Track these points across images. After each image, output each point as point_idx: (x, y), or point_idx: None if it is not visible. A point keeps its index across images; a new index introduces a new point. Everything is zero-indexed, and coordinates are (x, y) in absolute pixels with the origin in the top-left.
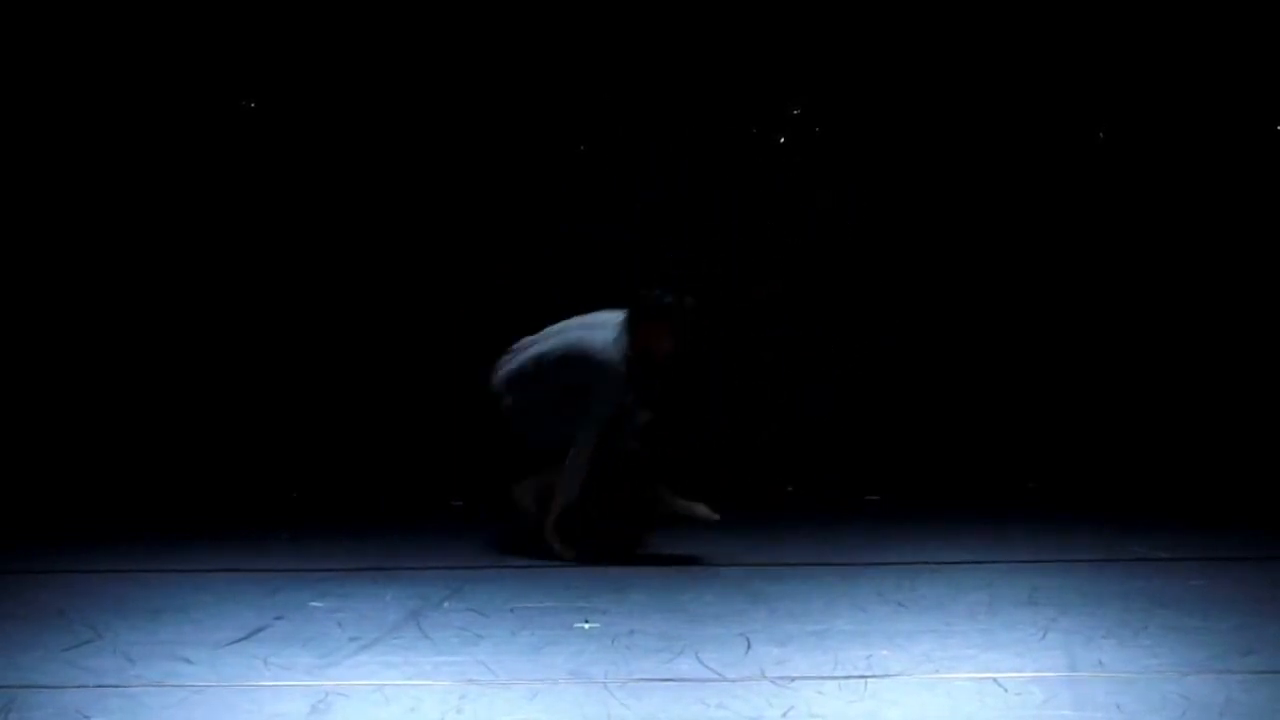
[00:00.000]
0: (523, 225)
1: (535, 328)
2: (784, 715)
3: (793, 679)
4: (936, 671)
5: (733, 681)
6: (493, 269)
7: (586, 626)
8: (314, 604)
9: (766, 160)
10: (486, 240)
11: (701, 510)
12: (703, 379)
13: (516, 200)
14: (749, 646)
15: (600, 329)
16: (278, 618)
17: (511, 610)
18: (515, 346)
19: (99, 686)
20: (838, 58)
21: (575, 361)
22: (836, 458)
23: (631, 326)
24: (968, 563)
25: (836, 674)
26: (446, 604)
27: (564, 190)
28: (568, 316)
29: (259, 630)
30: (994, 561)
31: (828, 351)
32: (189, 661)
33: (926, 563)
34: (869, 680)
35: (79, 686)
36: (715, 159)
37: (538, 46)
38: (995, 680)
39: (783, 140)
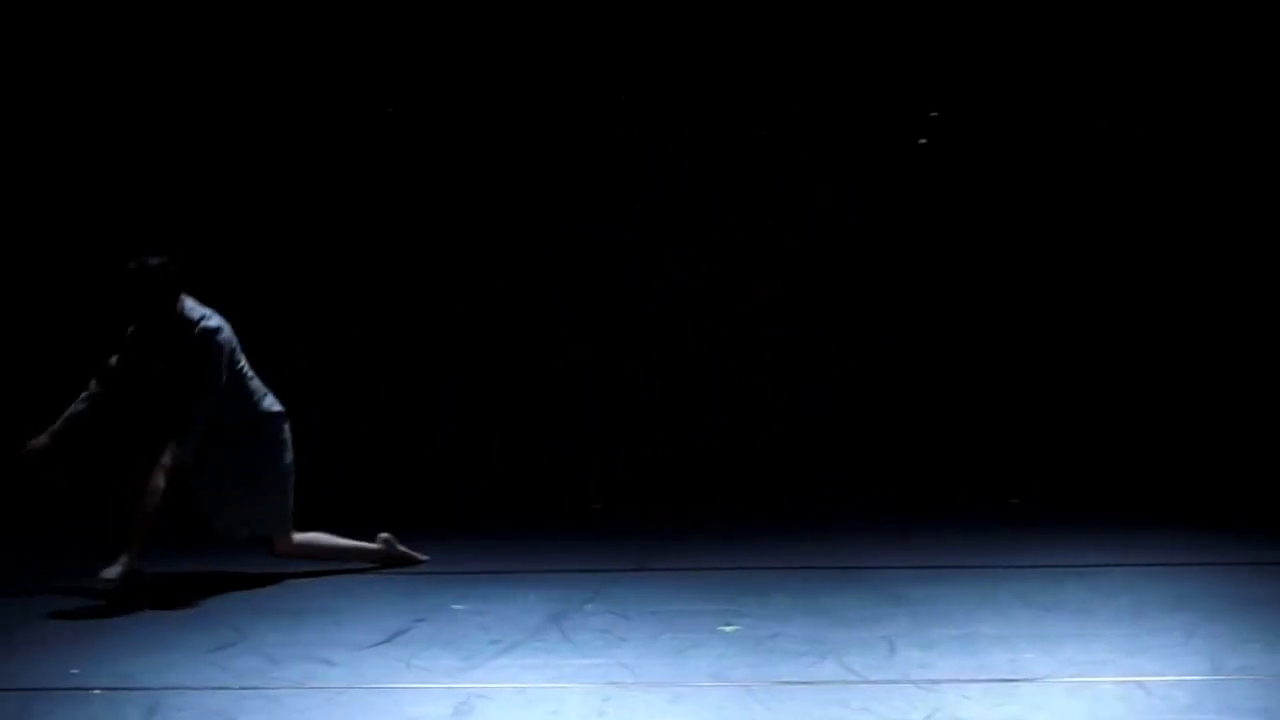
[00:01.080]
0: (522, 225)
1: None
2: (927, 719)
3: (937, 682)
4: (1080, 675)
5: (876, 684)
6: (493, 269)
7: (729, 629)
8: (456, 606)
9: (766, 160)
10: (486, 240)
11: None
12: (703, 379)
13: (516, 200)
14: (892, 650)
15: None
16: (419, 620)
17: (654, 613)
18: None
19: (241, 688)
20: (838, 58)
21: None
22: (838, 458)
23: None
24: (1111, 565)
25: (980, 677)
26: (588, 606)
27: (564, 190)
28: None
29: (401, 632)
30: (1137, 564)
31: (828, 351)
32: (331, 663)
33: (1070, 566)
34: (1013, 684)
35: (221, 688)
36: (715, 159)
37: (538, 47)
38: (1140, 684)
39: (923, 141)
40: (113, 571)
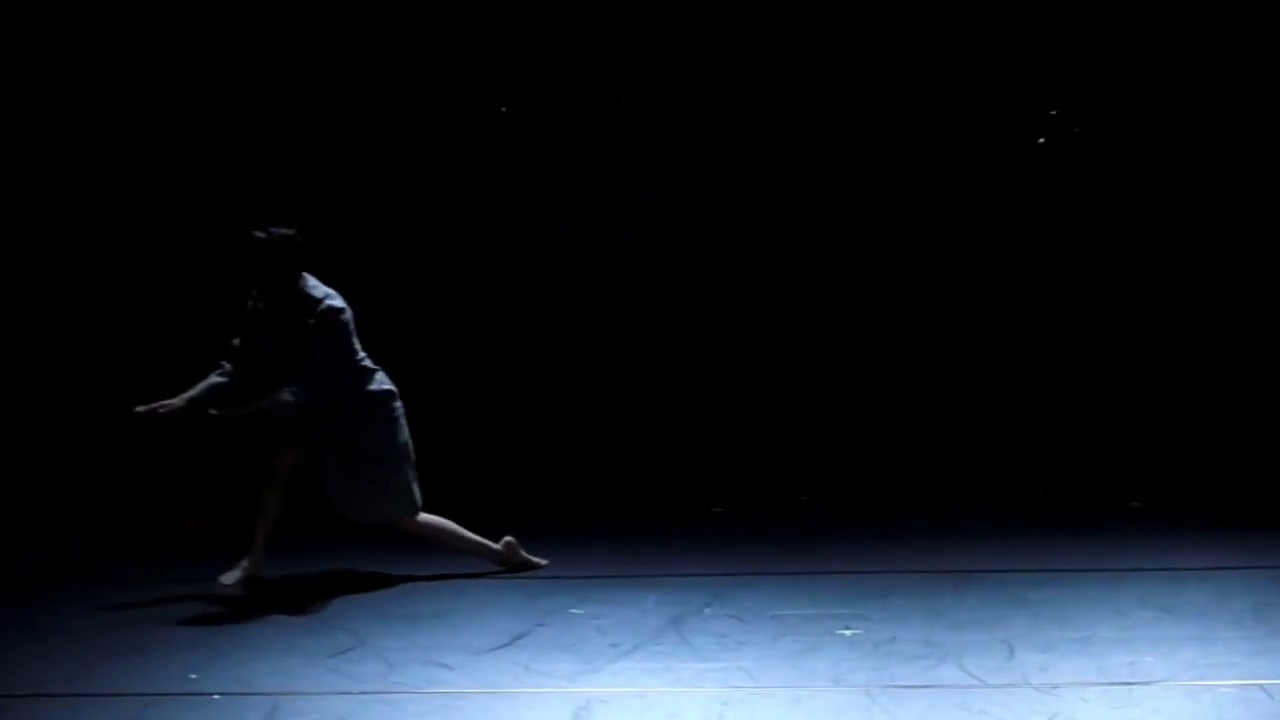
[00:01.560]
0: (522, 225)
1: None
2: None
3: (1056, 685)
4: (1201, 679)
5: (995, 688)
6: (493, 269)
7: (848, 633)
8: (574, 610)
9: (766, 160)
10: (487, 240)
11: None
12: (703, 379)
13: (516, 200)
14: (1011, 653)
15: None
16: (538, 624)
17: (773, 617)
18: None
19: (361, 693)
20: (837, 58)
21: None
22: (838, 458)
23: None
24: (1232, 568)
25: (1100, 680)
26: (708, 610)
27: (564, 190)
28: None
29: (519, 636)
30: (1259, 567)
31: (828, 351)
32: (449, 668)
33: (1190, 568)
34: (1133, 687)
35: (341, 693)
36: (715, 159)
37: (537, 47)
38: (1261, 687)
39: (1042, 141)
40: (231, 576)
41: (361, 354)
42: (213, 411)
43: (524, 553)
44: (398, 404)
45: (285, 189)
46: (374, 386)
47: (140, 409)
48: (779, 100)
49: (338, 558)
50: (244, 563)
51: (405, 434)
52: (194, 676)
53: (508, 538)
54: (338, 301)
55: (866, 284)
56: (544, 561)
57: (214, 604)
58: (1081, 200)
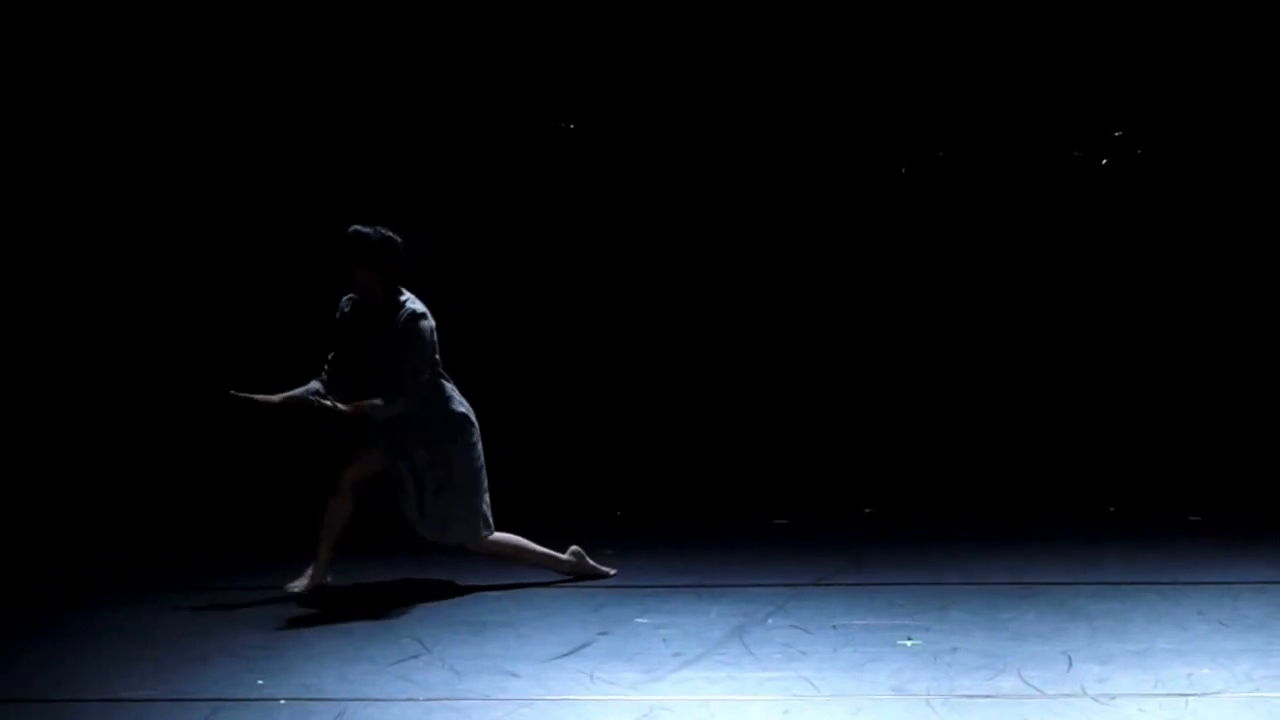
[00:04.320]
0: (523, 225)
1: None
2: None
3: (1114, 696)
4: (1258, 690)
5: (1053, 698)
6: (493, 268)
7: (909, 643)
8: (639, 620)
9: (768, 161)
10: (487, 240)
11: None
12: (703, 378)
13: (517, 200)
14: (1070, 664)
15: None
16: (603, 633)
17: (834, 627)
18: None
19: (428, 700)
20: (838, 59)
21: None
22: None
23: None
24: None
25: (1157, 692)
26: (770, 620)
27: (563, 190)
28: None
29: (584, 645)
30: None
31: (893, 365)
32: (515, 676)
33: (1248, 582)
34: (1190, 699)
35: (408, 700)
36: (717, 158)
37: (535, 46)
38: None
39: (1105, 162)
40: (299, 584)
41: (444, 372)
42: (312, 399)
43: (591, 561)
44: (475, 427)
45: (284, 188)
46: (456, 407)
47: (237, 393)
48: (781, 102)
49: (405, 566)
50: (310, 570)
51: (482, 458)
52: (261, 682)
53: (574, 547)
54: (421, 307)
55: (866, 284)
56: (612, 570)
57: (281, 610)
58: (1134, 217)
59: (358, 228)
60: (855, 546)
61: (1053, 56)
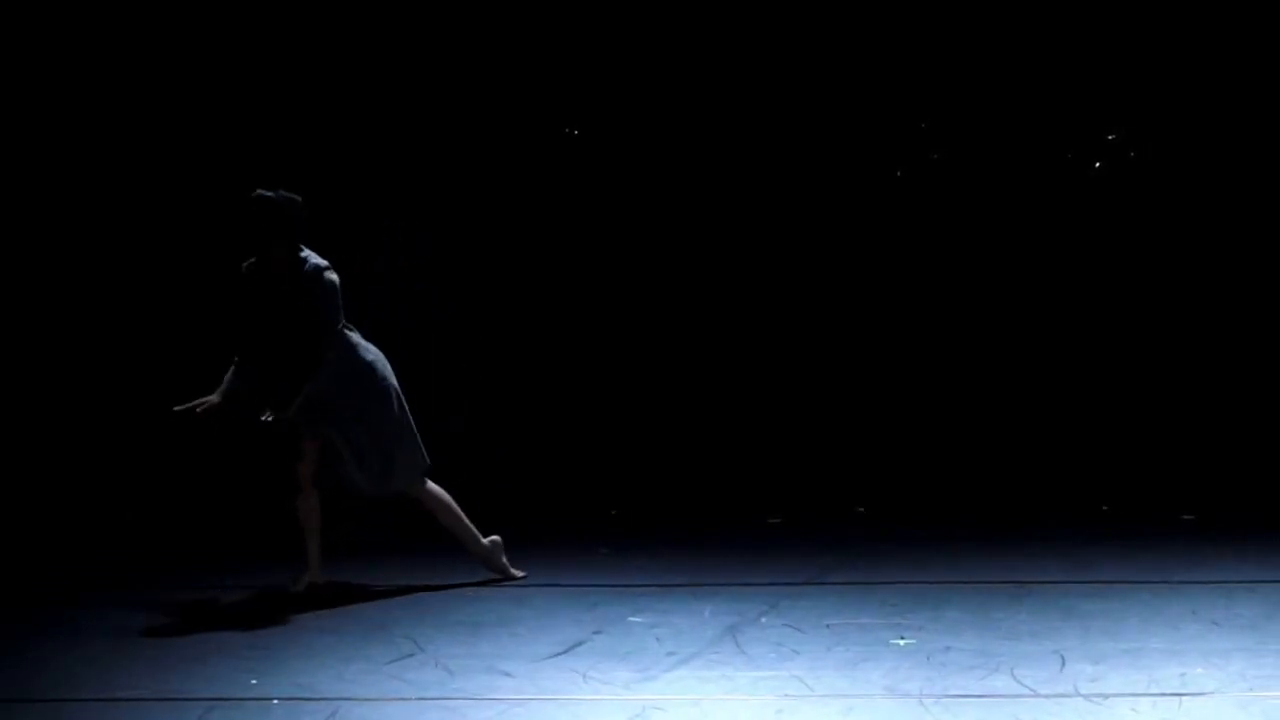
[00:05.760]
0: (522, 226)
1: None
2: None
3: (1106, 696)
4: (1251, 690)
5: (1046, 698)
6: (492, 268)
7: (902, 643)
8: (632, 619)
9: (763, 164)
10: (488, 240)
11: None
12: (702, 379)
13: (516, 201)
14: (1063, 663)
15: None
16: (596, 632)
17: (828, 626)
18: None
19: (420, 699)
20: (838, 61)
21: None
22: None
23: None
24: None
25: (1150, 691)
26: (763, 619)
27: (563, 190)
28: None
29: (578, 644)
30: None
31: (885, 364)
32: (508, 675)
33: (1242, 581)
34: (1183, 698)
35: (400, 699)
36: (716, 159)
37: (535, 46)
38: None
39: (1098, 164)
40: (293, 584)
41: (346, 323)
42: (266, 418)
43: (504, 559)
44: (389, 371)
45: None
46: (364, 354)
47: (178, 408)
48: (781, 103)
49: (399, 565)
50: (304, 573)
51: (402, 400)
52: (255, 681)
53: (495, 537)
54: (323, 261)
55: (866, 284)
56: (521, 574)
57: (274, 610)
58: (1127, 219)
59: (260, 192)
60: (848, 546)
61: (1047, 60)
